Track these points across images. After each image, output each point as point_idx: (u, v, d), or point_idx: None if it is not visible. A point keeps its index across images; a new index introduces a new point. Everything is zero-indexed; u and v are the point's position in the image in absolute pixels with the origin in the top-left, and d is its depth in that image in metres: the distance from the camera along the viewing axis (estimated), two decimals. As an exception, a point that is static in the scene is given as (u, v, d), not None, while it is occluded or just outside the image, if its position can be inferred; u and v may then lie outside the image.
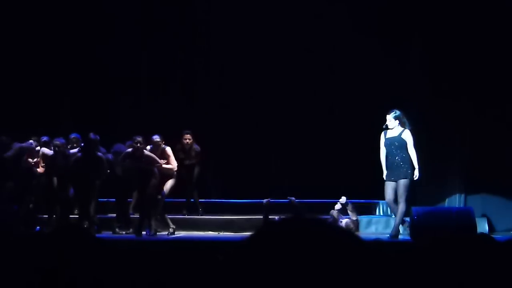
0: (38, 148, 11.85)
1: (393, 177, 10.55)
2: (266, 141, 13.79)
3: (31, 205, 11.72)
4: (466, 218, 9.98)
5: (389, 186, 10.58)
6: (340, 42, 13.69)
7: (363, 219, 11.92)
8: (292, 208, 11.17)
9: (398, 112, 10.73)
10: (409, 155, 10.59)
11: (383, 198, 11.02)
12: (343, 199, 11.37)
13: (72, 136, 11.97)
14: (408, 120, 10.75)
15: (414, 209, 10.46)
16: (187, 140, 12.43)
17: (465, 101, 12.34)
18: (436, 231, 9.27)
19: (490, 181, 12.11)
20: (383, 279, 1.33)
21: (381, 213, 12.76)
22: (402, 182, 10.50)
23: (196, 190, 12.76)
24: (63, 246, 2.10)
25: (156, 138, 11.52)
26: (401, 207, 10.54)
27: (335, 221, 11.07)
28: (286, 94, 13.76)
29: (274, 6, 13.84)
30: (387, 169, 10.63)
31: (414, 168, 10.55)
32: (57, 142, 11.41)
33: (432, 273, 2.35)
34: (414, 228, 10.07)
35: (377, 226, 11.74)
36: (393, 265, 1.38)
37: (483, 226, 11.34)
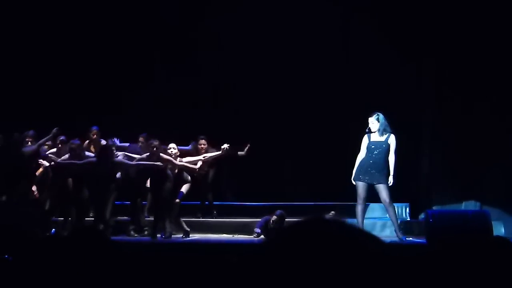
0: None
1: (373, 180, 10.59)
2: (281, 144, 13.80)
3: (46, 207, 11.76)
4: (482, 220, 9.92)
5: (364, 187, 10.59)
6: (353, 53, 13.80)
7: (378, 221, 11.88)
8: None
9: (380, 115, 10.73)
10: (386, 165, 10.64)
11: (398, 201, 11.05)
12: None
13: (93, 128, 12.37)
14: (389, 123, 10.78)
15: (429, 211, 10.41)
16: (202, 146, 12.44)
17: (480, 110, 12.31)
18: (452, 233, 9.23)
19: (506, 188, 12.05)
20: (402, 283, 1.33)
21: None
22: (385, 186, 10.53)
23: (211, 192, 12.77)
24: (80, 248, 2.11)
25: (173, 148, 11.60)
26: (393, 208, 10.68)
27: None
28: (300, 97, 13.79)
29: (291, 13, 13.91)
30: (365, 170, 10.60)
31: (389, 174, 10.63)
32: (73, 144, 11.46)
33: (448, 276, 2.34)
34: (429, 230, 10.02)
35: (391, 230, 11.68)
36: (411, 269, 1.37)
37: (499, 230, 11.27)
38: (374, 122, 10.71)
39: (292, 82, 13.85)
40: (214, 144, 12.53)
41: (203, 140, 12.50)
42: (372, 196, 10.86)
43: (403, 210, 12.29)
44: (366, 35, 13.62)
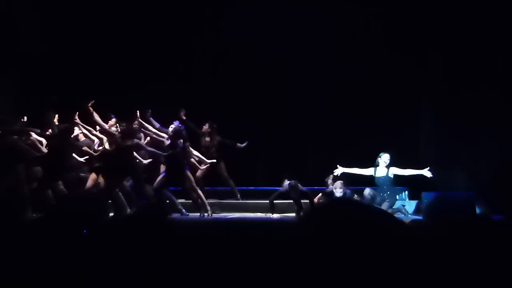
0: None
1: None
2: (312, 131, 13.42)
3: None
4: (467, 202, 9.80)
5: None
6: (369, 50, 12.98)
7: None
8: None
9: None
10: (394, 188, 10.49)
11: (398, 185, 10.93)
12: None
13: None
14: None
15: (424, 193, 10.35)
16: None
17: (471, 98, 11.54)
18: (443, 212, 9.16)
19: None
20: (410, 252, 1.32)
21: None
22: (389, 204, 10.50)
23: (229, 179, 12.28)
24: (143, 228, 2.11)
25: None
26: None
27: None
28: (324, 90, 13.24)
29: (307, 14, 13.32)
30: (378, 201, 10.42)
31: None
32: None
33: (442, 246, 2.33)
34: (424, 209, 9.98)
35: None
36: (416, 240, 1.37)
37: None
38: (387, 161, 10.48)
39: (303, 81, 13.31)
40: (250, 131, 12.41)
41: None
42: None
43: (403, 194, 12.11)
44: (375, 35, 12.90)
